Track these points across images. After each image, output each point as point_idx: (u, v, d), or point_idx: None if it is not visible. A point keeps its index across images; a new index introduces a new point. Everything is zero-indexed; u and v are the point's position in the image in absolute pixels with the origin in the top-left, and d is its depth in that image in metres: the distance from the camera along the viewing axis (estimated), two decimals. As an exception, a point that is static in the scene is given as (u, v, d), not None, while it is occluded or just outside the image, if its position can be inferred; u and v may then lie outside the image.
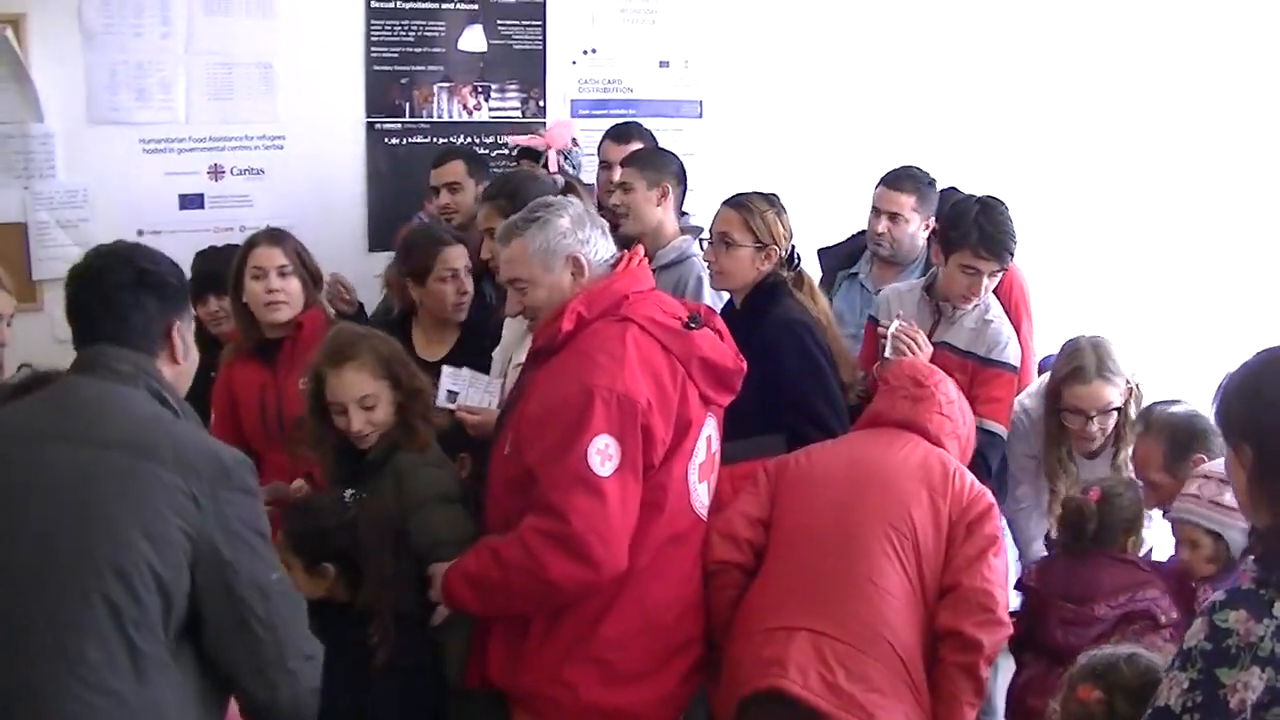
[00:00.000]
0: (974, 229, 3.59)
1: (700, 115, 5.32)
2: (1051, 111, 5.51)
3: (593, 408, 2.64)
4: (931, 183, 4.21)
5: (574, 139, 4.71)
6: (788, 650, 2.65)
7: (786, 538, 2.89)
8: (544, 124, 5.06)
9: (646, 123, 4.89)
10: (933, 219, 4.13)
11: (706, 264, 3.71)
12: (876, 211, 4.19)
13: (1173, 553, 3.03)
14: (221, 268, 3.99)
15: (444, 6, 5.00)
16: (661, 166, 4.15)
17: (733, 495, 3.00)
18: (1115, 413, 3.48)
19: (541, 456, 2.69)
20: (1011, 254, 3.65)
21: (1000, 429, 3.63)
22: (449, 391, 3.40)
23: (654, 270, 3.89)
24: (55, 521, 2.05)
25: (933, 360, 3.51)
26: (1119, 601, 2.89)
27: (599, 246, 2.89)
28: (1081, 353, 3.48)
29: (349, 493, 2.94)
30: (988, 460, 3.57)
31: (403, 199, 4.76)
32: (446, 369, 3.47)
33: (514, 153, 4.74)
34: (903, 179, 4.20)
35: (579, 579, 2.65)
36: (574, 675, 2.74)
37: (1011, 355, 3.69)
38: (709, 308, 3.13)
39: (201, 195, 4.80)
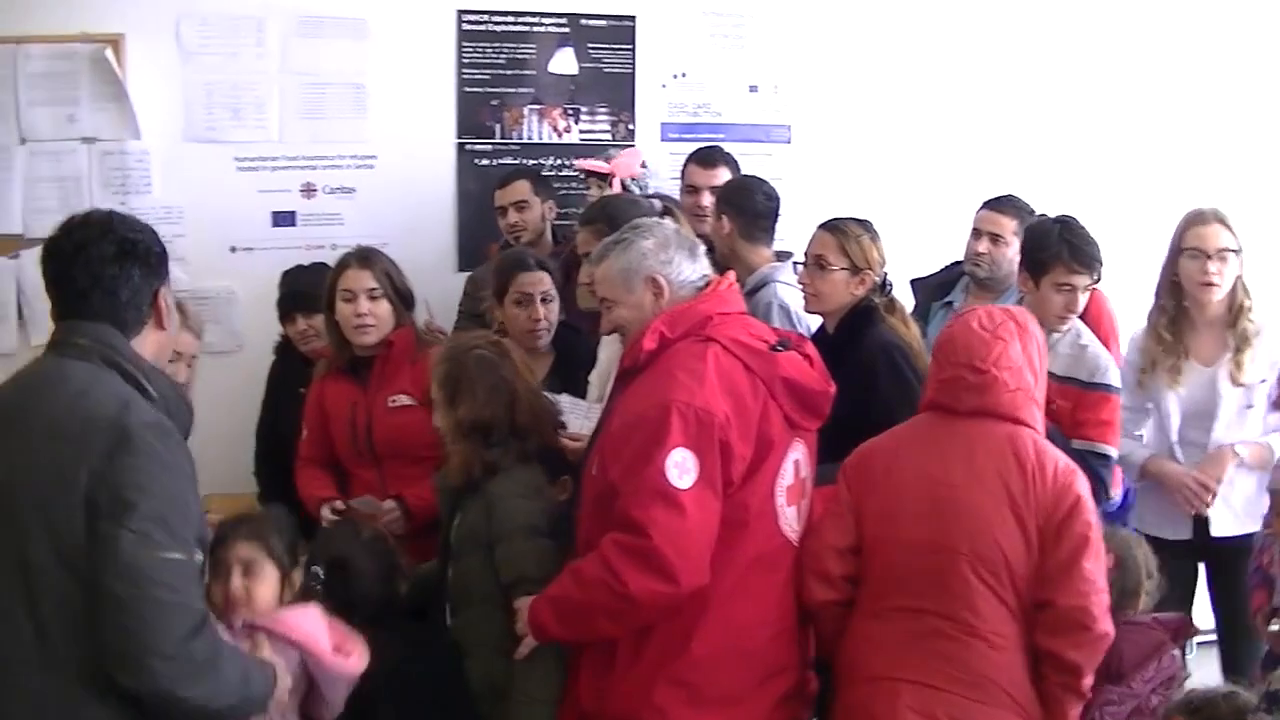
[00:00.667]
0: (1062, 245, 3.58)
1: (789, 140, 5.28)
2: (1140, 139, 5.42)
3: (670, 422, 2.63)
4: (1033, 211, 4.20)
5: (643, 163, 4.68)
6: (895, 706, 2.65)
7: (878, 575, 2.82)
8: (633, 147, 5.03)
9: (735, 147, 4.87)
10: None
11: (801, 286, 3.70)
12: (978, 233, 4.19)
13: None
14: (308, 287, 4.02)
15: (535, 29, 5.02)
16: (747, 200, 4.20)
17: (821, 515, 2.92)
18: (1231, 258, 3.65)
19: (622, 472, 2.68)
20: (1101, 264, 3.62)
21: (1113, 451, 3.58)
22: None
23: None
24: None
25: None
26: (1149, 674, 2.87)
27: (683, 269, 2.88)
28: (1199, 208, 3.70)
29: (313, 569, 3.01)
30: (1101, 482, 3.50)
31: (492, 219, 4.72)
32: (548, 396, 3.42)
33: (583, 175, 4.71)
34: (1005, 203, 4.22)
35: (658, 593, 2.61)
36: (662, 697, 2.70)
37: (1113, 377, 3.63)
38: (800, 335, 3.12)
39: (294, 213, 4.84)
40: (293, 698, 2.56)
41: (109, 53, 4.59)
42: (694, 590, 2.63)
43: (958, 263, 4.36)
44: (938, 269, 4.48)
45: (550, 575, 2.83)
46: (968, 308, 2.98)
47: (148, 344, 2.29)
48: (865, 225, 3.61)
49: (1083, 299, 3.62)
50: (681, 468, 2.61)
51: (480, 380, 3.02)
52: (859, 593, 2.85)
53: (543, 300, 3.74)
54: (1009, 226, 4.13)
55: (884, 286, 3.59)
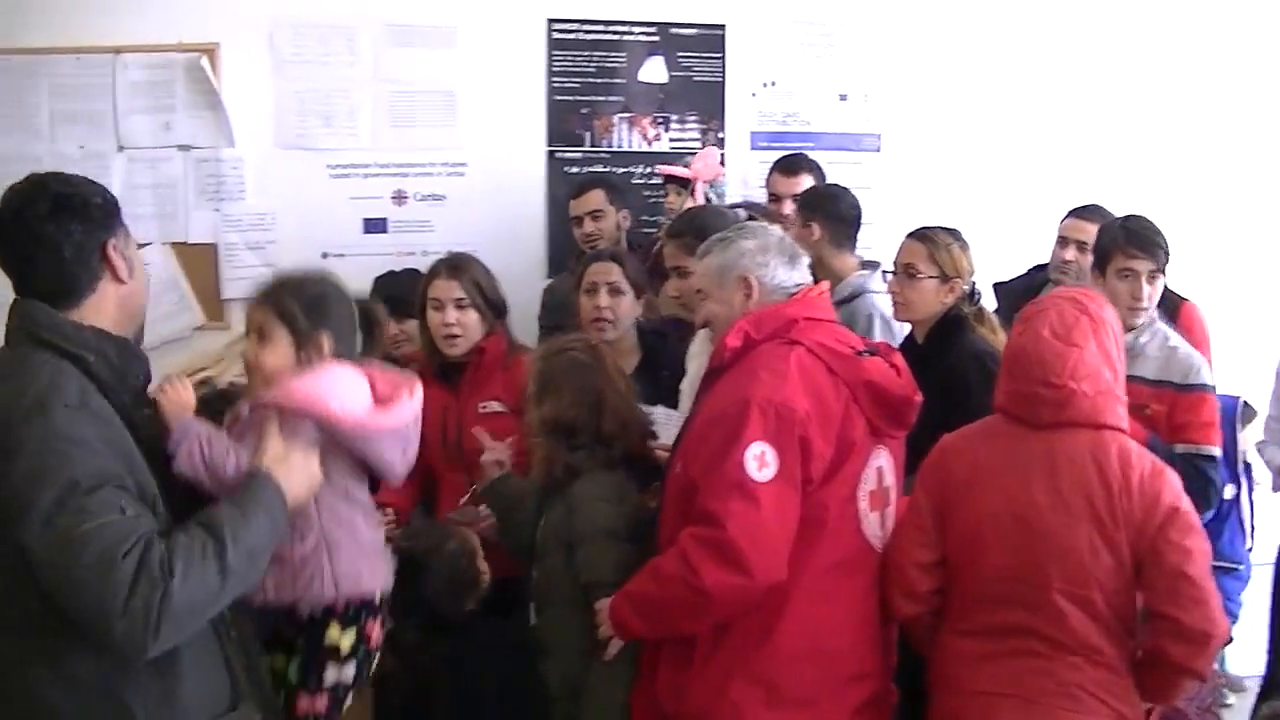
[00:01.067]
0: (1119, 233, 3.62)
1: (878, 149, 5.24)
2: (1234, 149, 5.34)
3: (749, 416, 2.63)
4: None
5: (721, 160, 4.69)
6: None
7: (965, 596, 2.76)
8: (722, 155, 5.01)
9: (824, 156, 4.86)
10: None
11: (890, 294, 3.69)
12: (1064, 241, 4.20)
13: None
14: (400, 291, 4.01)
15: (625, 38, 5.03)
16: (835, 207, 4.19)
17: (902, 525, 2.86)
18: None
19: (702, 467, 2.69)
20: (1164, 251, 3.59)
21: (1217, 451, 3.51)
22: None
23: (837, 304, 3.87)
24: None
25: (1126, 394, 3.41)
26: (1195, 691, 2.98)
27: (778, 273, 2.88)
28: None
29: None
30: (1210, 484, 3.46)
31: (580, 228, 4.71)
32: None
33: (663, 181, 4.70)
34: (1091, 211, 4.21)
35: (733, 586, 2.59)
36: (738, 694, 2.68)
37: (1207, 376, 3.58)
38: (888, 345, 3.08)
39: (385, 220, 4.87)
40: (335, 466, 2.41)
41: (204, 61, 4.65)
42: (769, 585, 2.61)
43: (1041, 267, 4.32)
44: (1020, 274, 4.44)
45: (626, 580, 2.83)
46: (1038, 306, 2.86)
47: (107, 300, 2.18)
48: (954, 234, 3.60)
49: (1148, 287, 3.58)
50: (760, 461, 2.60)
51: (568, 382, 3.04)
52: (946, 606, 2.80)
53: (609, 291, 3.70)
54: (1094, 234, 4.05)
55: (973, 295, 3.58)
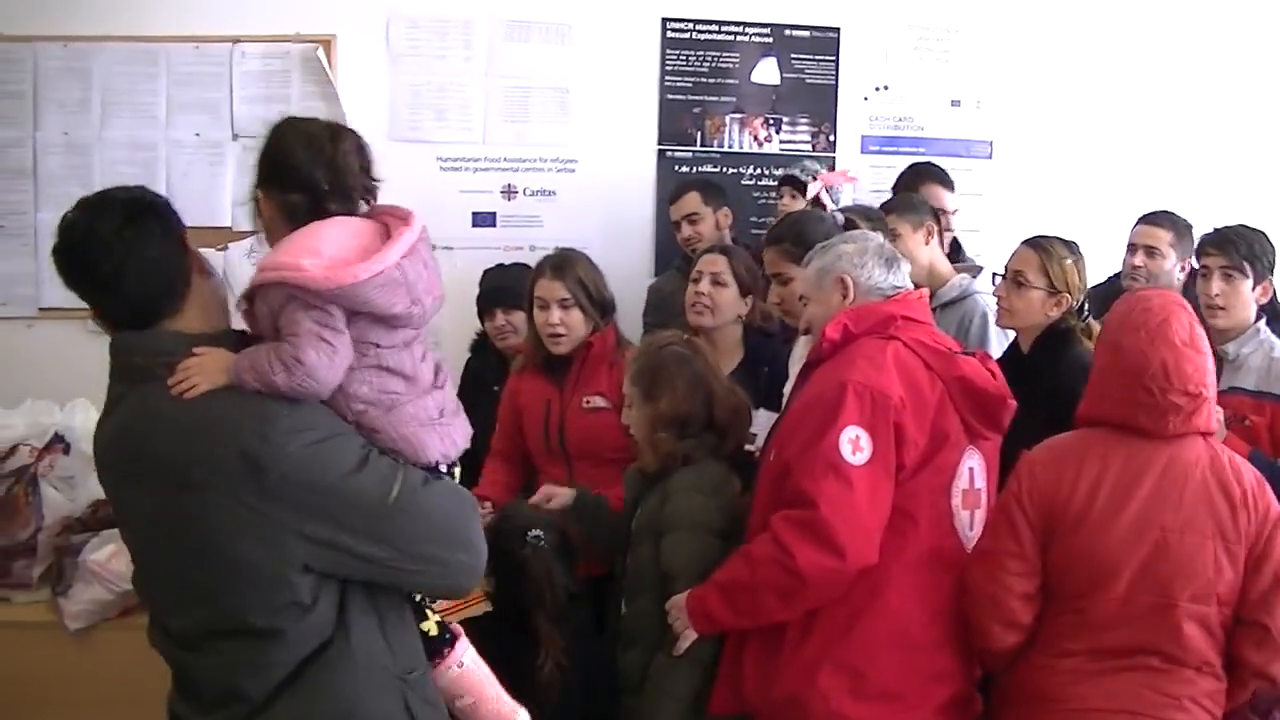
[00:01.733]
0: (1207, 234, 3.66)
1: (990, 156, 5.18)
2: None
3: (845, 400, 2.65)
4: (1189, 226, 4.15)
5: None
6: None
7: (1081, 619, 2.66)
8: (833, 159, 5.02)
9: (936, 162, 4.80)
10: (1190, 259, 4.06)
11: (996, 299, 3.64)
12: (1133, 248, 4.15)
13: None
14: (509, 282, 4.02)
15: (739, 39, 5.02)
16: (919, 208, 4.13)
17: (994, 551, 2.75)
18: None
19: (797, 450, 2.70)
20: (1247, 250, 3.56)
21: None
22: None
23: (936, 309, 3.83)
24: None
25: (1224, 405, 3.28)
26: None
27: (874, 275, 2.90)
28: None
29: (533, 533, 3.00)
30: None
31: (694, 227, 4.69)
32: None
33: (777, 184, 4.66)
34: (1160, 217, 4.19)
35: (825, 567, 2.59)
36: (826, 683, 2.67)
37: None
38: (985, 354, 3.04)
39: (494, 214, 4.89)
40: (356, 333, 2.11)
41: (320, 53, 4.69)
42: (861, 567, 2.61)
43: (1119, 274, 4.25)
44: (1102, 280, 4.31)
45: (707, 572, 2.84)
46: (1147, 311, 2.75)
47: (203, 296, 2.09)
48: (1072, 247, 3.52)
49: (1221, 285, 3.55)
50: (855, 445, 2.62)
51: (679, 374, 3.06)
52: (1046, 628, 2.71)
53: (712, 280, 3.72)
54: (1164, 238, 4.10)
55: (1082, 310, 3.51)
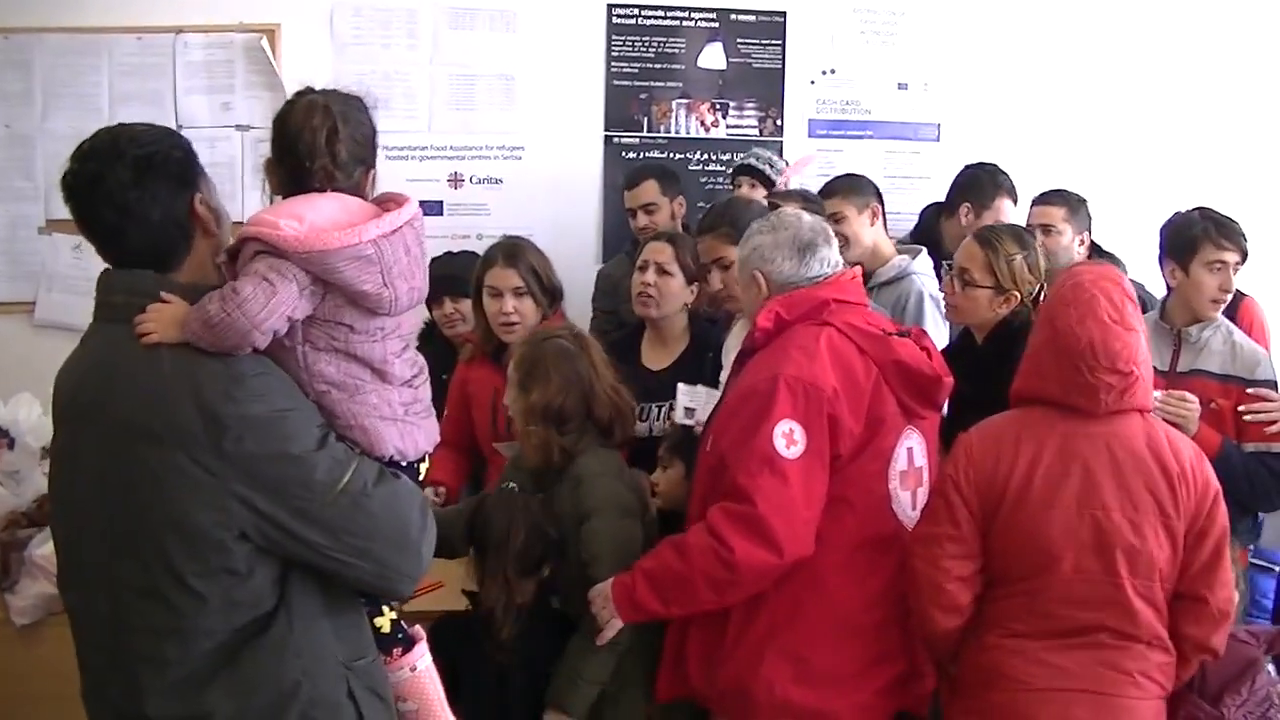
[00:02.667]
0: (1207, 223, 3.59)
1: (938, 138, 5.20)
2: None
3: (778, 394, 2.67)
4: (1082, 200, 4.26)
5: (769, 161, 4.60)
6: (1070, 715, 2.59)
7: (1027, 600, 2.66)
8: (781, 143, 5.02)
9: (883, 145, 4.90)
10: (1087, 233, 4.23)
11: (943, 294, 3.62)
12: (1030, 229, 4.01)
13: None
14: (457, 271, 4.00)
15: (685, 24, 5.02)
16: (864, 189, 4.16)
17: (933, 535, 2.73)
18: None
19: (730, 443, 2.72)
20: (1246, 240, 3.59)
21: None
22: (686, 409, 3.34)
23: (873, 288, 3.89)
24: None
25: (1189, 388, 3.37)
26: (1242, 697, 2.80)
27: (785, 268, 2.90)
28: None
29: (509, 485, 3.03)
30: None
31: (638, 213, 4.70)
32: (682, 386, 3.40)
33: (731, 174, 4.67)
34: (1051, 195, 4.29)
35: (761, 561, 2.62)
36: (770, 670, 2.70)
37: (1272, 371, 3.55)
38: (921, 330, 3.06)
39: (441, 203, 4.90)
40: (323, 311, 2.08)
41: (264, 42, 4.67)
42: (796, 560, 2.64)
43: None
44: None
45: (627, 555, 2.86)
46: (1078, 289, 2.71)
47: (203, 255, 2.07)
48: (1023, 241, 3.41)
49: (1234, 279, 3.58)
50: (789, 438, 2.64)
51: (555, 369, 3.04)
52: (992, 609, 2.71)
53: (657, 270, 3.66)
54: (1058, 215, 4.20)
55: (1038, 300, 3.39)
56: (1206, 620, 2.64)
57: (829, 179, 4.35)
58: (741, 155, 4.62)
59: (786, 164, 4.53)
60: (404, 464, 2.18)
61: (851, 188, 4.16)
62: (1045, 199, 4.28)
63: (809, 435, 2.65)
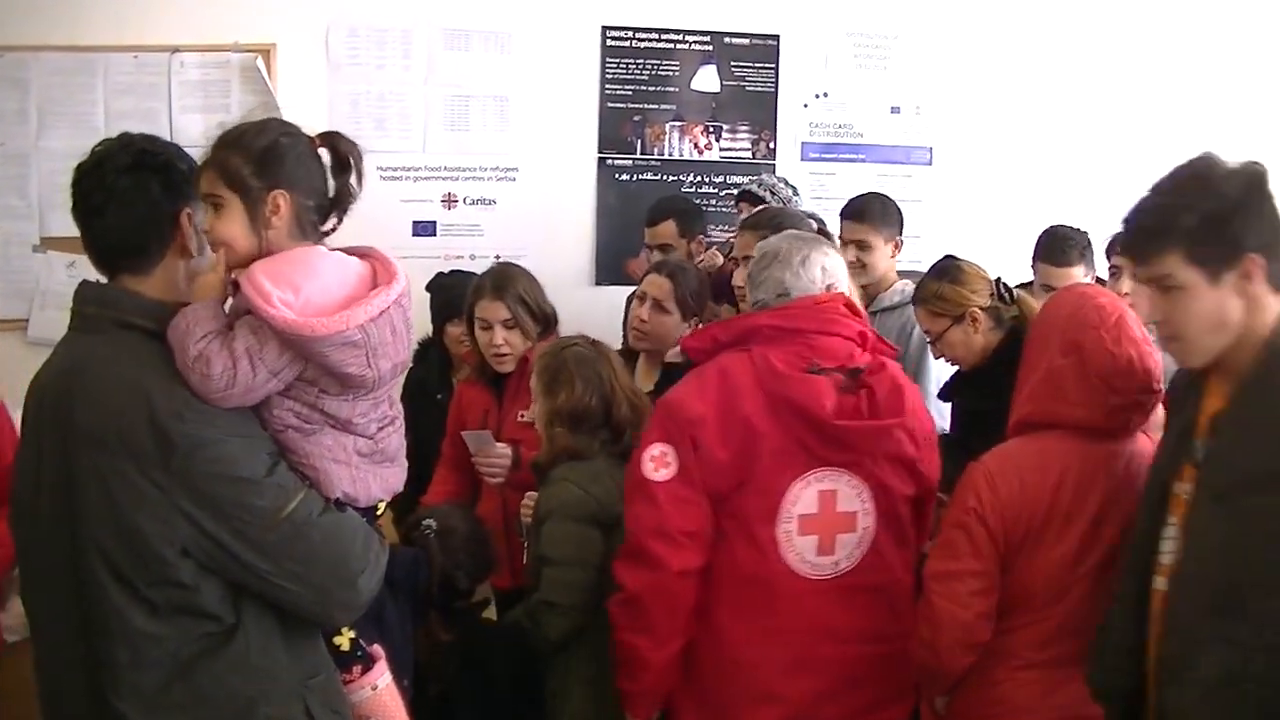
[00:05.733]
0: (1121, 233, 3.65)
1: (930, 162, 5.23)
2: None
3: (654, 417, 2.70)
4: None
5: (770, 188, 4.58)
6: None
7: (1046, 630, 2.58)
8: (774, 165, 5.05)
9: (875, 168, 4.88)
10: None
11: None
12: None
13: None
14: (458, 294, 3.99)
15: (679, 46, 5.05)
16: (893, 220, 4.06)
17: (955, 572, 2.61)
18: None
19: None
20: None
21: None
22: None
23: (876, 313, 3.86)
24: None
25: None
26: None
27: (758, 292, 2.82)
28: None
29: (426, 522, 3.06)
30: None
31: (630, 234, 4.75)
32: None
33: (735, 199, 4.67)
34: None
35: (648, 583, 2.63)
36: (680, 700, 2.74)
37: None
38: (878, 365, 2.78)
39: (434, 223, 4.90)
40: (305, 373, 2.06)
41: (259, 62, 4.68)
42: (682, 570, 2.62)
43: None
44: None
45: (576, 560, 2.88)
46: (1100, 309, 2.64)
47: (176, 274, 2.08)
48: (942, 271, 3.42)
49: (1138, 287, 3.58)
50: (659, 461, 2.63)
51: (578, 372, 3.09)
52: (1003, 642, 2.59)
53: (654, 305, 3.67)
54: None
55: (1004, 296, 3.39)
56: None
57: (852, 198, 4.19)
58: (748, 179, 4.58)
59: (793, 190, 4.51)
60: (357, 507, 2.18)
61: (884, 217, 4.04)
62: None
63: (680, 458, 2.62)
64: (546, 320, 3.68)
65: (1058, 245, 4.04)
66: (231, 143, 2.11)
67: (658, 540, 2.61)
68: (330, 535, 2.06)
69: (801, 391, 2.64)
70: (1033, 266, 4.10)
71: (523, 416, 3.62)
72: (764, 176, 4.58)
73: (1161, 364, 2.58)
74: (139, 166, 2.04)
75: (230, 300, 2.11)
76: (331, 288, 2.05)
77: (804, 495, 2.67)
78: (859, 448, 2.69)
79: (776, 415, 2.63)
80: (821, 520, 2.69)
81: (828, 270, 2.80)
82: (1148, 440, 2.61)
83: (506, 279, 3.67)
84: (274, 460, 2.04)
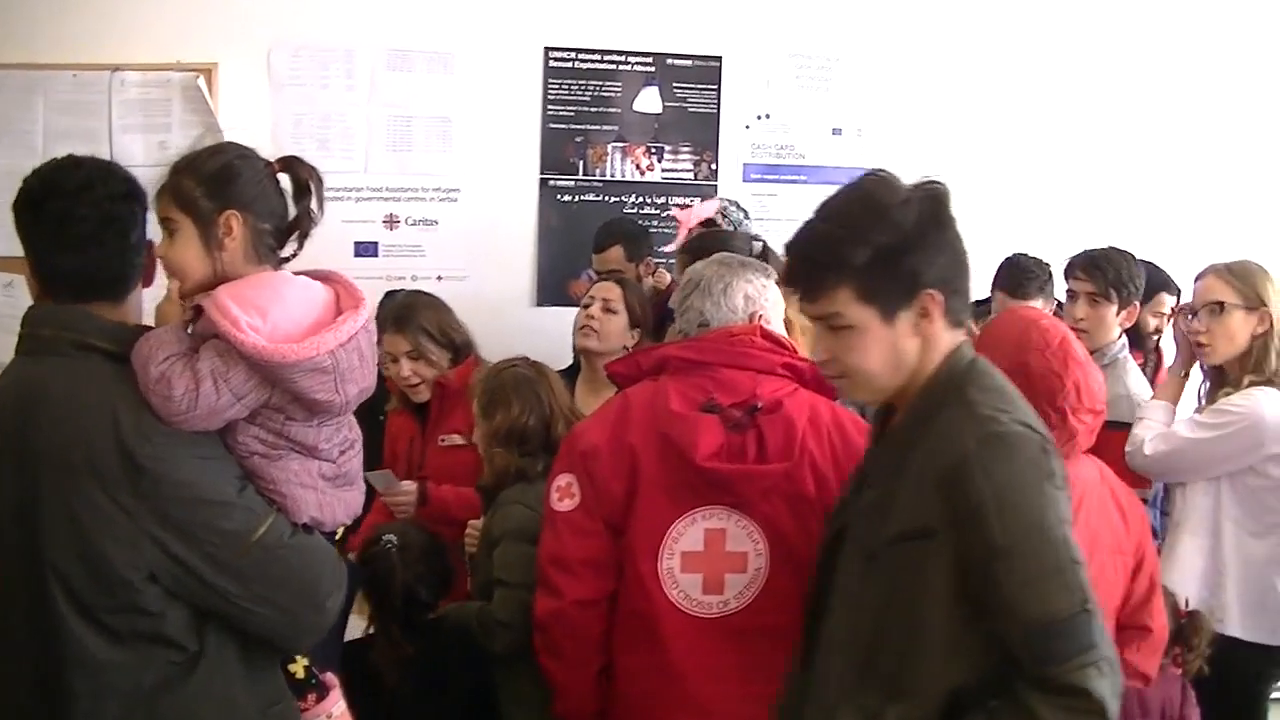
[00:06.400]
0: (1079, 257, 3.83)
1: (871, 184, 5.23)
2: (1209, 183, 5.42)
3: (562, 447, 2.74)
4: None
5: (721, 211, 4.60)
6: None
7: None
8: (715, 186, 5.08)
9: (817, 190, 4.77)
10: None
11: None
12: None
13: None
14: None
15: (621, 68, 5.07)
16: None
17: None
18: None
19: None
20: (1106, 278, 3.73)
21: None
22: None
23: None
24: None
25: None
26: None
27: (681, 320, 2.81)
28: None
29: (386, 537, 3.07)
30: None
31: (572, 255, 4.78)
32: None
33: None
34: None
35: (551, 610, 2.65)
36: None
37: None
38: (773, 405, 2.68)
39: (376, 244, 4.90)
40: (271, 398, 2.05)
41: (201, 81, 4.66)
42: (577, 600, 2.63)
43: (986, 300, 4.24)
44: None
45: (527, 583, 2.86)
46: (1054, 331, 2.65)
47: (137, 302, 2.10)
48: None
49: (1092, 312, 3.73)
50: (564, 491, 2.65)
51: (516, 392, 3.13)
52: None
53: (603, 306, 3.77)
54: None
55: None
56: (1149, 649, 2.67)
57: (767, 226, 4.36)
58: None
59: (744, 213, 4.54)
60: (324, 532, 2.19)
61: None
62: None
63: (581, 489, 2.64)
64: (455, 347, 3.67)
65: (1018, 278, 4.12)
66: (184, 166, 2.11)
67: (556, 570, 2.63)
68: (302, 558, 2.07)
69: (679, 431, 2.60)
70: (991, 293, 4.15)
71: (443, 441, 3.65)
72: (715, 199, 4.63)
73: (1104, 386, 2.63)
74: (132, 195, 2.04)
75: (192, 326, 2.08)
76: (297, 313, 2.05)
77: (688, 532, 2.63)
78: (737, 490, 2.64)
79: (662, 453, 2.61)
80: (707, 558, 2.64)
81: (751, 298, 2.76)
82: (1092, 461, 2.67)
83: (407, 311, 3.69)
84: (243, 484, 2.04)
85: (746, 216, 4.43)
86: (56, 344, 2.00)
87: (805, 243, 1.96)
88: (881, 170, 2.05)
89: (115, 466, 1.92)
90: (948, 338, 1.93)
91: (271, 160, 2.19)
